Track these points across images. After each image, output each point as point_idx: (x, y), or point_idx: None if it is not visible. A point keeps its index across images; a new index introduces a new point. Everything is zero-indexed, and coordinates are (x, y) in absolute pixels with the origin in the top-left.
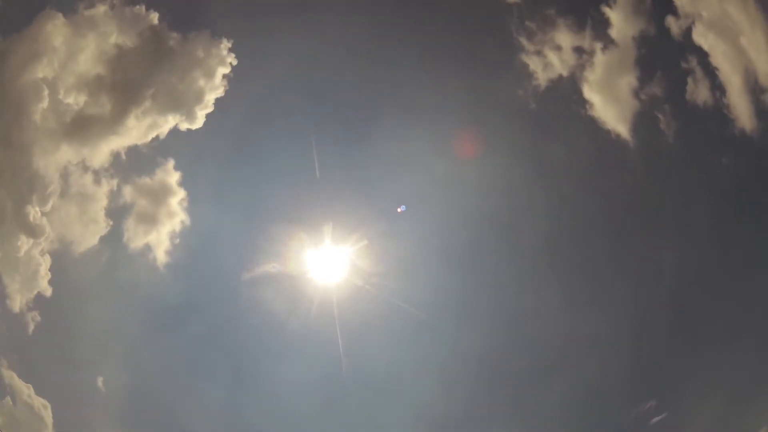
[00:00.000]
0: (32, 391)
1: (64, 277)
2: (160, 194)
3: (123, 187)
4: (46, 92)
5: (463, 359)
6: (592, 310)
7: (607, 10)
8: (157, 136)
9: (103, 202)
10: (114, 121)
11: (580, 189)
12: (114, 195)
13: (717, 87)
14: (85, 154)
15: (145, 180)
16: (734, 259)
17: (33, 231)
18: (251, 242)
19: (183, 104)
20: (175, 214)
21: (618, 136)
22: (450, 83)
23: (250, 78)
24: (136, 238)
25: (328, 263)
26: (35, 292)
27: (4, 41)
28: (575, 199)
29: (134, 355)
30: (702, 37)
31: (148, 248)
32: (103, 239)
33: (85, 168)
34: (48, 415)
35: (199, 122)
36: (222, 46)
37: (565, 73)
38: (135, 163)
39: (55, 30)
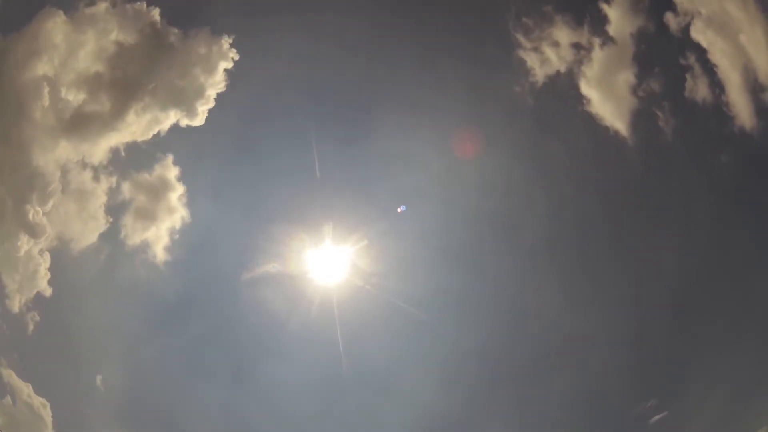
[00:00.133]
0: (31, 390)
1: (64, 276)
2: (160, 191)
3: (122, 184)
4: (46, 90)
5: (464, 359)
6: (591, 309)
7: (605, 7)
8: (158, 132)
9: (103, 199)
10: (114, 118)
11: (579, 186)
12: (113, 192)
13: (716, 84)
14: (85, 150)
15: (145, 176)
16: (734, 256)
17: (33, 230)
18: (251, 242)
19: (184, 100)
20: (175, 209)
21: (617, 133)
22: (448, 80)
23: (250, 76)
24: (136, 235)
25: (328, 263)
26: (35, 291)
27: (4, 39)
28: (573, 196)
29: (133, 353)
30: (700, 34)
31: (147, 246)
32: (103, 236)
33: (85, 165)
34: (47, 414)
35: (199, 119)
36: (223, 41)
37: (563, 70)
38: (135, 159)
39: (56, 27)
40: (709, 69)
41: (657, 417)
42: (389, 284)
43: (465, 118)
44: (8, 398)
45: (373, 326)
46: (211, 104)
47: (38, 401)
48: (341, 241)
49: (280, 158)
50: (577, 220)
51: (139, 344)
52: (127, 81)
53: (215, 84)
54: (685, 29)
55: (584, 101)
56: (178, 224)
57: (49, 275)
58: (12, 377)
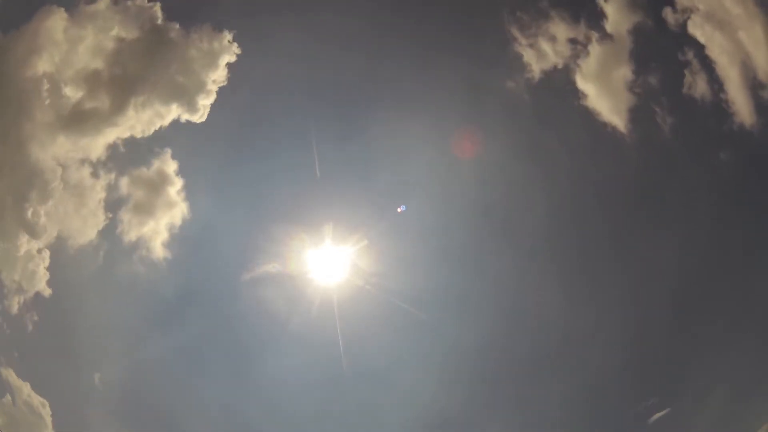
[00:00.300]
0: (31, 390)
1: (62, 274)
2: (159, 186)
3: (121, 180)
4: (47, 87)
5: (463, 358)
6: (590, 307)
7: (602, 2)
8: (159, 128)
9: (101, 195)
10: (115, 113)
11: (577, 183)
12: (112, 188)
13: (714, 80)
14: (84, 146)
15: (144, 171)
16: (734, 256)
17: (32, 229)
18: (251, 241)
19: (185, 95)
20: (174, 204)
21: (614, 128)
22: (444, 77)
23: (250, 73)
24: (134, 231)
25: (328, 263)
26: (34, 290)
27: (5, 37)
28: (571, 193)
29: (133, 352)
30: (699, 30)
31: (145, 242)
32: (101, 233)
33: (83, 161)
34: (47, 413)
35: (200, 114)
36: (224, 36)
37: (559, 65)
38: (134, 155)
39: (56, 25)
40: (708, 65)
41: (657, 416)
42: (389, 284)
43: (462, 115)
44: (8, 397)
45: (373, 326)
46: (213, 98)
47: (38, 400)
48: (341, 240)
49: (279, 157)
50: (575, 217)
51: (139, 343)
52: (127, 77)
53: (216, 79)
54: (683, 25)
55: (581, 97)
56: (177, 220)
57: (48, 275)
58: (11, 376)
